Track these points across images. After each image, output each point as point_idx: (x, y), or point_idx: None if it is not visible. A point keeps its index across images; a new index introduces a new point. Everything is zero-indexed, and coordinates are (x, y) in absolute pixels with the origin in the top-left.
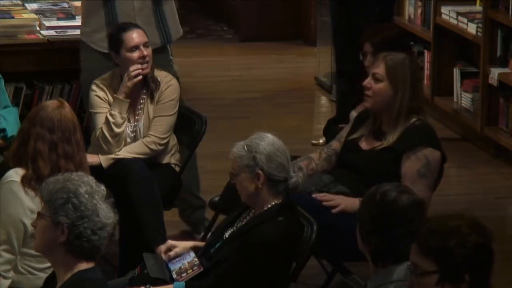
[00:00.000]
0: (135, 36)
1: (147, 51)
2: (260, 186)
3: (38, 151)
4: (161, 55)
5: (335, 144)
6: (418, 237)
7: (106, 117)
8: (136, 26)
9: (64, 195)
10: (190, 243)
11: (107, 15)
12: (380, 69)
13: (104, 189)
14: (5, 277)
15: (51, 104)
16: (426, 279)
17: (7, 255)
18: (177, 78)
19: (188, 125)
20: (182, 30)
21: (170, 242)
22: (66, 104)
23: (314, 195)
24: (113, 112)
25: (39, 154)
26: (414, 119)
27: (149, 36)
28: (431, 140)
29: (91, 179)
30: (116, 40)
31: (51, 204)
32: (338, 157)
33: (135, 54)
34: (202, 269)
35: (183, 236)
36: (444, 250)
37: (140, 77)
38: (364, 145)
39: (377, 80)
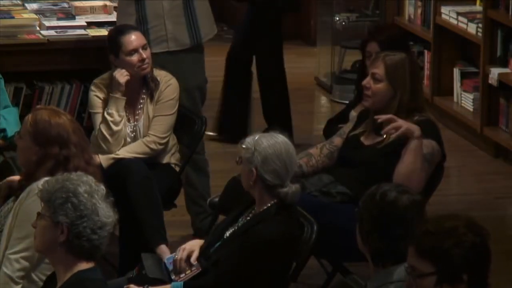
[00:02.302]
0: (133, 39)
1: (146, 54)
2: (251, 183)
3: (49, 170)
4: (191, 56)
5: (337, 140)
6: (414, 239)
7: (104, 116)
8: (134, 28)
9: (63, 194)
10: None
11: (138, 14)
12: (379, 70)
13: (104, 188)
14: (17, 283)
15: (40, 119)
16: (425, 281)
17: (25, 263)
18: (204, 84)
19: (188, 125)
20: None
21: (189, 248)
22: (56, 111)
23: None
24: (110, 111)
25: (52, 171)
26: (416, 117)
27: (179, 36)
28: (435, 136)
29: (90, 179)
30: (114, 44)
31: (51, 204)
32: (339, 152)
33: (135, 58)
34: (200, 269)
35: (182, 238)
36: (442, 251)
37: (128, 77)
38: (365, 140)
39: (376, 80)
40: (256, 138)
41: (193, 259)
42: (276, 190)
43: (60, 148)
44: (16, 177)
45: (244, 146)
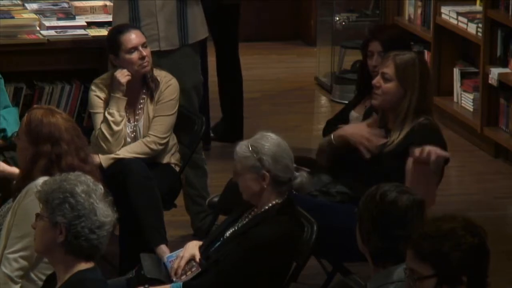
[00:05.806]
0: (133, 38)
1: (146, 51)
2: (265, 186)
3: (43, 168)
4: (184, 56)
5: None
6: (413, 242)
7: (105, 116)
8: (133, 27)
9: (60, 195)
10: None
11: (131, 12)
12: (389, 69)
13: (102, 187)
14: (16, 282)
15: (33, 118)
16: (425, 284)
17: (23, 262)
18: (199, 84)
19: (188, 125)
20: None
21: (188, 256)
22: (51, 110)
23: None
24: (111, 111)
25: (46, 170)
26: (421, 119)
27: (170, 35)
28: (438, 140)
29: (88, 179)
30: (114, 43)
31: (48, 205)
32: (340, 151)
33: (135, 56)
34: (199, 269)
35: (182, 238)
36: (441, 254)
37: (129, 77)
38: None
39: (386, 80)
40: (252, 143)
41: (197, 259)
42: (288, 184)
43: (51, 146)
44: (8, 168)
45: (242, 156)
